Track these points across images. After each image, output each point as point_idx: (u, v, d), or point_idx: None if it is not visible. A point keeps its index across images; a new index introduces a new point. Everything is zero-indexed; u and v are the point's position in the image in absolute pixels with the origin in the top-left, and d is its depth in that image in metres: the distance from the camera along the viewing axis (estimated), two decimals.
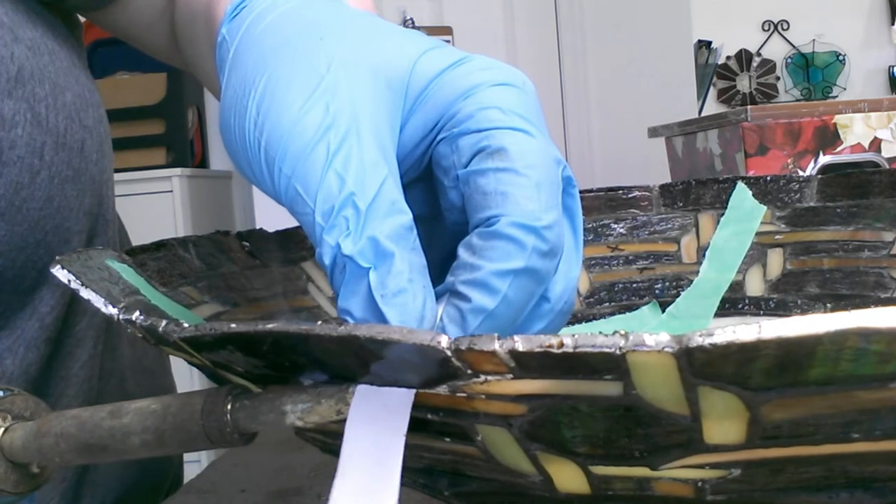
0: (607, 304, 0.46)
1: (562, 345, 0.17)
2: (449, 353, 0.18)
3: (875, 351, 0.16)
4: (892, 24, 3.15)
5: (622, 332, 0.17)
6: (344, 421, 0.21)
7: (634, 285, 0.46)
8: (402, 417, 0.20)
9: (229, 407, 0.22)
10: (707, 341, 0.16)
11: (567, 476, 0.21)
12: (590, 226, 0.47)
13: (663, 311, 0.45)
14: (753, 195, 0.46)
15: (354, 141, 0.25)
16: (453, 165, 0.26)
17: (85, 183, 0.40)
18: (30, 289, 0.38)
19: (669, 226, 0.47)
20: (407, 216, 0.25)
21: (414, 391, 0.20)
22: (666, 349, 0.17)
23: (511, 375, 0.18)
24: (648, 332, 0.17)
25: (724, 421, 0.19)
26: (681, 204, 0.47)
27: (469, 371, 0.19)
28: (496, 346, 0.18)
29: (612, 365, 0.17)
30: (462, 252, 0.25)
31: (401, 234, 0.24)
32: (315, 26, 0.28)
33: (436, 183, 0.28)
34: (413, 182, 0.29)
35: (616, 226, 0.47)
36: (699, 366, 0.17)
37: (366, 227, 0.24)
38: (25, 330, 0.39)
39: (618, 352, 0.17)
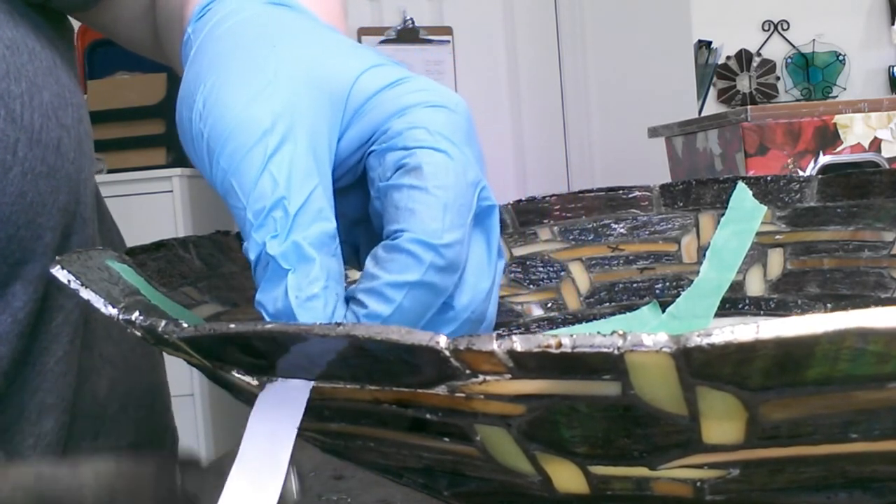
0: (607, 304, 0.46)
1: (560, 345, 0.17)
2: (447, 353, 0.18)
3: (873, 351, 0.16)
4: (892, 24, 3.15)
5: (620, 333, 0.17)
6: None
7: (635, 285, 0.46)
8: (298, 409, 0.21)
9: (179, 478, 0.24)
10: (705, 341, 0.16)
11: (566, 476, 0.22)
12: (590, 226, 0.47)
13: (663, 312, 0.45)
14: (754, 195, 0.46)
15: (291, 147, 0.27)
16: (378, 178, 0.28)
17: (60, 180, 0.41)
18: (2, 283, 0.39)
19: (670, 226, 0.47)
20: (331, 225, 0.27)
21: (311, 383, 0.21)
22: (664, 349, 0.17)
23: (509, 375, 0.18)
24: (647, 333, 0.17)
25: (722, 421, 0.19)
26: (681, 204, 0.47)
27: (467, 371, 0.19)
28: (494, 346, 0.18)
29: (610, 365, 0.17)
30: (368, 261, 0.27)
31: (323, 241, 0.26)
32: (270, 35, 0.29)
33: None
34: (351, 187, 0.31)
35: (616, 226, 0.47)
36: (697, 366, 0.17)
37: (292, 230, 0.26)
38: None
39: (616, 352, 0.17)
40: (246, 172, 0.26)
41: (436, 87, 0.29)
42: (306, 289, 0.26)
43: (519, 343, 0.18)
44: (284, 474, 0.21)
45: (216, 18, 0.31)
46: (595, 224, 0.47)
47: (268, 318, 0.26)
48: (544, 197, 0.47)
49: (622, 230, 0.47)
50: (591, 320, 0.46)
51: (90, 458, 0.25)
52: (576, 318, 0.46)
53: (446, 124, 0.28)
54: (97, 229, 0.48)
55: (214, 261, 0.36)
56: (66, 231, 0.42)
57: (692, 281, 0.45)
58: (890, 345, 0.16)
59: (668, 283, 0.46)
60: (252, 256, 0.27)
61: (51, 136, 0.40)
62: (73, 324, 0.43)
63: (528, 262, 0.47)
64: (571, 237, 0.47)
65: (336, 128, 0.28)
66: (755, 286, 0.45)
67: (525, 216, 0.47)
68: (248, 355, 0.22)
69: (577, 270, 0.47)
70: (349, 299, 0.27)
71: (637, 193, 0.47)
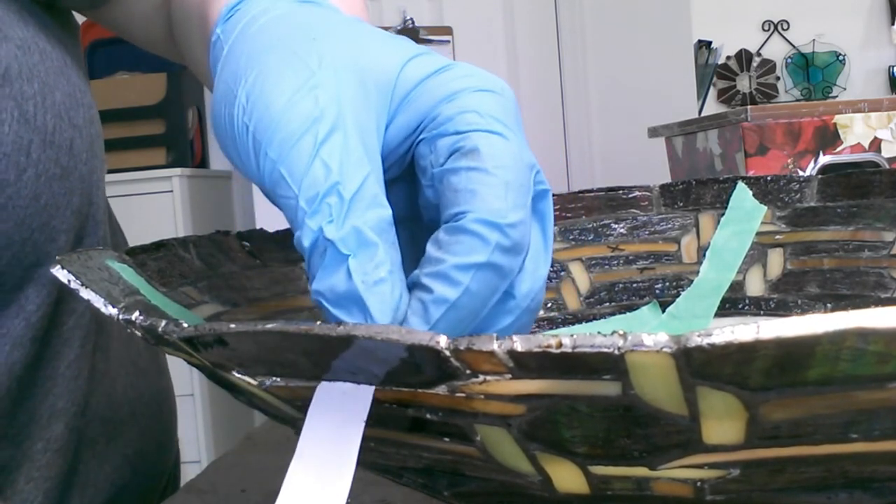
0: (607, 304, 0.46)
1: (560, 345, 0.17)
2: (447, 352, 0.18)
3: (873, 351, 0.16)
4: (892, 24, 3.15)
5: (621, 333, 0.17)
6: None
7: (635, 285, 0.46)
8: (363, 410, 0.21)
9: None
10: (705, 341, 0.16)
11: (566, 476, 0.21)
12: (590, 226, 0.47)
13: (663, 312, 0.45)
14: (754, 195, 0.46)
15: (341, 134, 0.26)
16: (430, 165, 0.27)
17: (73, 182, 0.41)
18: (16, 287, 0.39)
19: (670, 226, 0.47)
20: (388, 211, 0.26)
21: (373, 388, 0.20)
22: (664, 349, 0.17)
23: (510, 375, 0.18)
24: (647, 333, 0.17)
25: (722, 421, 0.19)
26: (681, 204, 0.47)
27: (468, 371, 0.19)
28: (495, 346, 0.18)
29: (610, 365, 0.17)
30: (429, 247, 0.26)
31: (382, 227, 0.26)
32: (308, 28, 0.29)
33: (416, 182, 0.29)
34: (395, 182, 0.30)
35: (616, 226, 0.47)
36: (698, 366, 0.17)
37: (349, 215, 0.25)
38: (11, 328, 0.39)
39: (616, 352, 0.17)
40: (296, 161, 0.26)
41: (480, 72, 0.29)
42: (372, 273, 0.25)
43: (519, 343, 0.17)
44: (352, 474, 0.20)
45: (247, 18, 0.30)
46: (595, 224, 0.47)
47: (328, 307, 0.25)
48: None
49: (622, 230, 0.47)
50: (590, 320, 0.46)
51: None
52: (576, 318, 0.46)
53: (497, 107, 0.27)
54: (108, 228, 0.48)
55: (214, 261, 0.36)
56: (80, 234, 0.42)
57: (692, 281, 0.45)
58: (890, 345, 0.16)
59: (668, 283, 0.46)
60: (306, 244, 0.26)
61: (64, 137, 0.40)
62: (85, 327, 0.43)
63: None
64: (571, 237, 0.47)
65: (383, 117, 0.28)
66: (755, 286, 0.45)
67: None
68: (247, 356, 0.22)
69: (576, 270, 0.47)
70: (412, 286, 0.26)
71: (637, 193, 0.47)
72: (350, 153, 0.26)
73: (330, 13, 0.31)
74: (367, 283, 0.25)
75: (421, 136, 0.28)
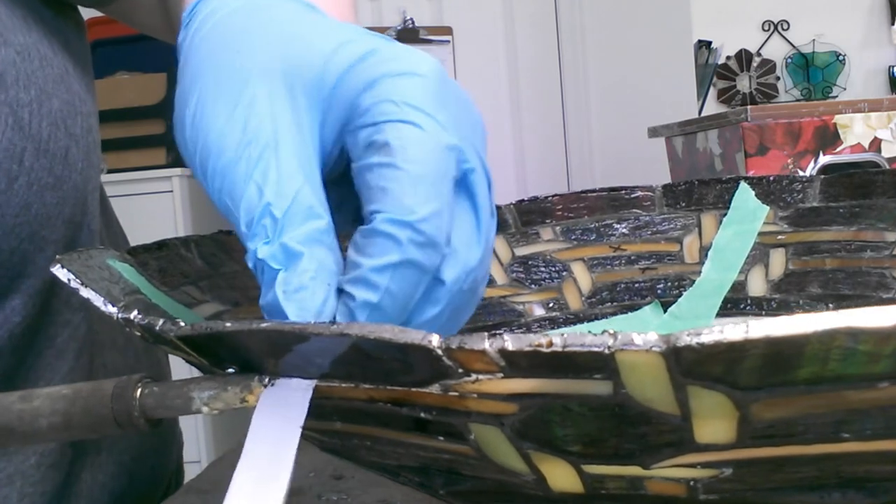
0: (609, 304, 0.46)
1: (551, 344, 0.17)
2: (440, 351, 0.18)
3: (863, 351, 0.16)
4: (892, 24, 3.15)
5: (611, 332, 0.17)
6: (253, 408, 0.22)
7: (637, 285, 0.46)
8: (301, 408, 0.21)
9: (139, 392, 0.23)
10: (695, 341, 0.16)
11: (560, 475, 0.22)
12: (592, 226, 0.47)
13: (665, 312, 0.45)
14: (756, 195, 0.46)
15: (272, 153, 0.27)
16: (354, 159, 0.27)
17: (67, 191, 0.40)
18: (1, 296, 0.38)
19: (672, 226, 0.47)
20: (322, 221, 0.27)
21: (314, 382, 0.21)
22: (654, 348, 0.17)
23: (501, 374, 0.18)
24: (638, 332, 0.17)
25: (714, 420, 0.19)
26: (683, 204, 0.47)
27: (460, 370, 0.19)
28: (486, 345, 0.18)
29: (601, 364, 0.17)
30: (349, 250, 0.26)
31: (314, 238, 0.26)
32: (234, 37, 0.29)
33: None
34: (346, 177, 0.30)
35: (619, 226, 0.47)
36: (687, 365, 0.17)
37: (281, 233, 0.26)
38: None
39: (606, 351, 0.17)
40: (234, 187, 0.27)
41: (406, 53, 0.28)
42: (294, 282, 0.26)
43: (510, 342, 0.18)
44: (290, 473, 0.21)
45: (195, 24, 0.30)
46: (597, 224, 0.47)
47: (266, 314, 0.26)
48: (547, 197, 0.47)
49: (624, 230, 0.47)
50: (592, 320, 0.46)
51: (45, 388, 0.25)
52: (577, 318, 0.46)
53: (414, 92, 0.27)
54: (104, 235, 0.48)
55: (216, 260, 0.36)
56: (71, 243, 0.41)
57: (694, 281, 0.45)
58: (879, 344, 0.16)
59: (669, 284, 0.46)
60: (250, 265, 0.27)
61: (59, 146, 0.39)
62: (80, 339, 0.42)
63: (530, 262, 0.46)
64: (574, 237, 0.47)
65: (316, 118, 0.28)
66: (757, 286, 0.45)
67: (527, 216, 0.47)
68: (244, 354, 0.22)
69: (579, 270, 0.47)
70: (340, 291, 0.26)
71: (639, 193, 0.47)
72: (281, 170, 0.27)
73: (270, 6, 0.30)
74: (288, 292, 0.26)
75: (346, 130, 0.28)
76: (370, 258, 0.25)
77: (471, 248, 0.27)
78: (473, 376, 0.19)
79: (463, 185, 0.28)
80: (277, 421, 0.22)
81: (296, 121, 0.28)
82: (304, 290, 0.26)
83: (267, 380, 0.22)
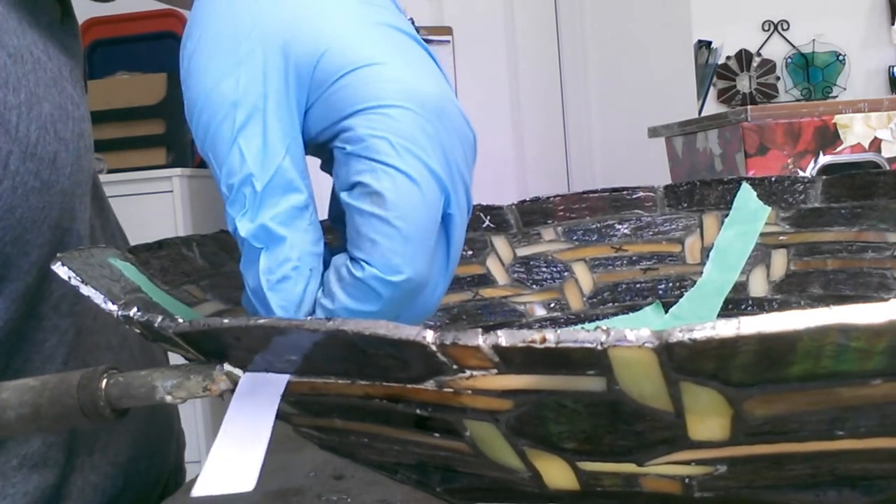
0: (611, 304, 0.46)
1: (544, 340, 0.17)
2: (434, 347, 0.18)
3: (856, 347, 0.16)
4: (892, 24, 3.15)
5: (604, 328, 0.17)
6: (220, 396, 0.23)
7: (638, 286, 0.46)
8: (275, 397, 0.22)
9: (104, 383, 0.24)
10: (687, 337, 0.16)
11: (555, 472, 0.22)
12: (594, 226, 0.47)
13: (667, 312, 0.45)
14: (758, 196, 0.46)
15: (258, 121, 0.27)
16: (342, 181, 0.28)
17: (53, 196, 0.39)
18: None
19: (673, 226, 0.47)
20: (302, 196, 0.27)
21: (287, 377, 0.22)
22: (646, 344, 0.17)
23: (495, 371, 0.19)
24: (631, 328, 0.17)
25: (707, 417, 0.19)
26: (685, 204, 0.47)
27: (454, 366, 0.19)
28: (480, 341, 0.18)
29: (594, 360, 0.17)
30: (330, 274, 0.27)
31: (293, 215, 0.27)
32: None
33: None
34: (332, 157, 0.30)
35: (620, 226, 0.47)
36: (680, 361, 0.17)
37: (260, 209, 0.27)
38: None
39: (599, 347, 0.17)
40: (218, 144, 0.27)
41: (406, 77, 0.27)
42: (277, 271, 0.27)
43: (504, 338, 0.18)
44: (263, 457, 0.22)
45: None
46: (599, 224, 0.47)
47: (248, 290, 0.27)
48: (548, 197, 0.47)
49: (626, 231, 0.47)
50: (594, 321, 0.46)
51: (13, 381, 0.25)
52: (579, 319, 0.46)
53: (412, 133, 0.27)
54: (99, 236, 0.47)
55: (217, 259, 0.36)
56: (58, 248, 0.40)
57: (695, 281, 0.45)
58: (872, 341, 0.16)
59: (671, 284, 0.46)
60: (230, 229, 0.28)
61: (47, 150, 0.39)
62: (69, 344, 0.42)
63: (531, 263, 0.46)
64: (575, 237, 0.47)
65: (303, 99, 0.28)
66: (758, 287, 0.45)
67: (529, 216, 0.47)
68: (239, 349, 0.22)
69: (580, 271, 0.47)
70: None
71: (641, 194, 0.47)
72: (267, 139, 0.27)
73: None
74: (272, 281, 0.27)
75: (335, 144, 0.28)
76: (349, 299, 0.27)
77: (438, 283, 0.29)
78: (468, 372, 0.19)
79: (442, 223, 0.28)
80: (254, 407, 0.22)
81: (285, 90, 0.28)
82: (286, 281, 0.27)
83: (244, 370, 0.23)
